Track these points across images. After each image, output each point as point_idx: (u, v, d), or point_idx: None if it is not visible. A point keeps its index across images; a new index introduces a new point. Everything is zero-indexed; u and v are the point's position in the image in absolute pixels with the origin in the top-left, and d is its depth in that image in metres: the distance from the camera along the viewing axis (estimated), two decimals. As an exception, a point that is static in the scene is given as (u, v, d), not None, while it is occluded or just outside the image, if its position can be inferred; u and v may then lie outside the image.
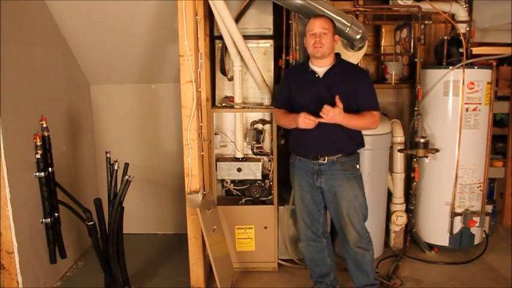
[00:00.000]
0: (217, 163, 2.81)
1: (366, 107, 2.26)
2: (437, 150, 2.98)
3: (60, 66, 2.88)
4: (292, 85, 2.38)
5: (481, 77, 2.93)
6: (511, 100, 3.53)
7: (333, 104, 2.14)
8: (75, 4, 2.60)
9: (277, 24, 2.86)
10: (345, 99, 2.17)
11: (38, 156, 2.43)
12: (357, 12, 3.05)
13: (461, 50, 3.01)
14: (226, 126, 2.92)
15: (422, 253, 3.15)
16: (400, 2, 3.00)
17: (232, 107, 2.81)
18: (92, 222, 2.37)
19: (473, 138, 2.99)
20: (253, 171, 2.79)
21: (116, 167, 2.36)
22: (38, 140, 2.42)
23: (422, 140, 2.96)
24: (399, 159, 3.11)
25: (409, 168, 3.15)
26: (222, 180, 2.91)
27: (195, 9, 2.39)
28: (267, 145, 2.87)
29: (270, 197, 2.84)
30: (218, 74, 2.91)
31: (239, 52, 2.63)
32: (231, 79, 2.87)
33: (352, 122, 2.21)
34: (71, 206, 2.53)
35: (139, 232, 3.47)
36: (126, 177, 2.34)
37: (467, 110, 2.94)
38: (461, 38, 3.01)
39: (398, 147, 3.09)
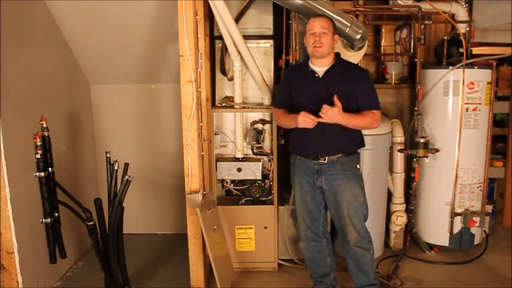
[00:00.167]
0: (217, 163, 2.81)
1: (366, 106, 2.26)
2: (437, 150, 2.98)
3: (60, 66, 2.88)
4: (292, 85, 2.38)
5: (481, 77, 2.93)
6: (511, 100, 3.53)
7: (332, 104, 2.14)
8: (75, 4, 2.60)
9: (277, 24, 2.86)
10: (344, 98, 2.17)
11: (38, 156, 2.43)
12: (357, 12, 3.05)
13: (461, 50, 3.01)
14: (226, 126, 2.92)
15: (422, 253, 3.15)
16: (400, 2, 3.00)
17: (232, 107, 2.81)
18: (92, 222, 2.37)
19: (473, 138, 2.98)
20: (253, 171, 2.79)
21: (116, 167, 2.36)
22: (38, 140, 2.42)
23: (422, 140, 2.96)
24: (399, 159, 3.11)
25: (409, 168, 3.15)
26: (222, 180, 2.91)
27: (195, 9, 2.39)
28: (267, 145, 2.87)
29: (270, 197, 2.84)
30: (218, 74, 2.91)
31: (239, 52, 2.63)
32: (231, 79, 2.87)
33: (351, 121, 2.21)
34: (71, 206, 2.53)
35: (139, 232, 3.47)
36: (126, 177, 2.34)
37: (467, 110, 2.94)
38: (461, 38, 3.01)
39: (398, 147, 3.09)
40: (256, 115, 2.88)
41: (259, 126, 2.86)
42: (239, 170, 2.78)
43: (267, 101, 2.82)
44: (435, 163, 3.03)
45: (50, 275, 2.68)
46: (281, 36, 2.92)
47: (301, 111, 2.19)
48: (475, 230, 3.08)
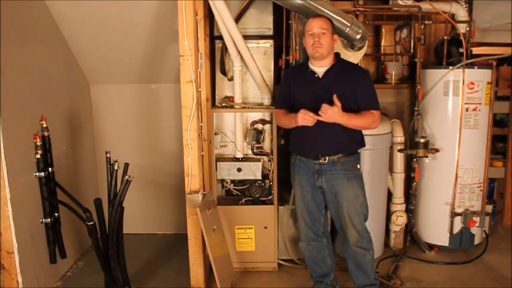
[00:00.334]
0: (217, 163, 2.81)
1: (365, 107, 2.26)
2: (437, 150, 2.98)
3: (60, 66, 2.88)
4: (292, 85, 2.38)
5: (481, 77, 2.93)
6: (511, 100, 3.53)
7: (332, 104, 2.14)
8: (75, 4, 2.60)
9: (277, 24, 2.86)
10: (344, 98, 2.17)
11: (38, 156, 2.43)
12: (357, 12, 3.05)
13: (461, 50, 3.01)
14: (226, 126, 2.92)
15: (422, 253, 3.15)
16: (400, 2, 3.00)
17: (232, 107, 2.81)
18: (92, 222, 2.37)
19: (473, 138, 2.98)
20: (253, 171, 2.79)
21: (116, 167, 2.36)
22: (38, 140, 2.42)
23: (422, 140, 2.95)
24: (399, 159, 3.11)
25: (409, 168, 3.15)
26: (222, 180, 2.91)
27: (195, 9, 2.39)
28: (267, 145, 2.87)
29: (270, 197, 2.84)
30: (218, 74, 2.91)
31: (239, 52, 2.63)
32: (231, 79, 2.87)
33: (351, 121, 2.21)
34: (71, 206, 2.53)
35: (139, 232, 3.47)
36: (126, 177, 2.34)
37: (467, 110, 2.94)
38: (461, 38, 3.01)
39: (398, 147, 3.09)
40: (256, 115, 2.88)
41: (259, 126, 2.86)
42: (239, 170, 2.78)
43: (267, 101, 2.82)
44: (435, 163, 3.03)
45: (50, 275, 2.68)
46: (281, 36, 2.92)
47: (301, 109, 2.19)
48: (475, 230, 3.08)
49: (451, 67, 2.92)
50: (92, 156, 3.38)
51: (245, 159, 2.86)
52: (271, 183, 2.82)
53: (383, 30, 3.53)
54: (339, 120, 2.17)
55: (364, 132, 2.43)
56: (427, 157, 2.97)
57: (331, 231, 2.64)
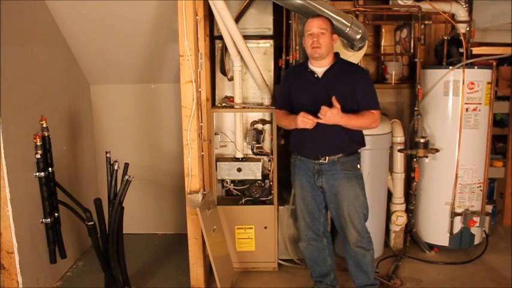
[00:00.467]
0: (217, 163, 2.81)
1: (365, 107, 2.26)
2: (437, 150, 2.98)
3: (60, 66, 2.88)
4: (292, 86, 2.38)
5: (481, 77, 2.93)
6: (511, 100, 3.53)
7: (331, 105, 2.14)
8: (75, 4, 2.60)
9: (277, 24, 2.86)
10: (344, 98, 2.17)
11: (38, 156, 2.43)
12: (357, 12, 3.05)
13: (461, 50, 3.01)
14: (226, 126, 2.92)
15: (422, 253, 3.15)
16: (400, 2, 3.00)
17: (232, 107, 2.81)
18: (92, 222, 2.37)
19: (473, 138, 2.98)
20: (253, 171, 2.79)
21: (116, 167, 2.36)
22: (38, 140, 2.42)
23: (422, 140, 2.96)
24: (399, 159, 3.11)
25: (409, 168, 3.15)
26: (222, 180, 2.91)
27: (195, 9, 2.39)
28: (267, 145, 2.87)
29: (270, 197, 2.84)
30: (218, 74, 2.91)
31: (239, 52, 2.63)
32: (231, 79, 2.87)
33: (351, 121, 2.21)
34: (71, 206, 2.53)
35: (139, 232, 3.47)
36: (126, 177, 2.34)
37: (467, 110, 2.94)
38: (461, 38, 3.01)
39: (398, 147, 3.09)
40: (256, 115, 2.88)
41: (259, 126, 2.86)
42: (239, 170, 2.78)
43: (267, 101, 2.82)
44: (435, 163, 3.03)
45: (50, 275, 2.68)
46: (281, 36, 2.92)
47: (301, 112, 2.19)
48: (475, 230, 3.08)
49: (451, 67, 2.92)
50: (92, 156, 3.38)
51: (245, 159, 2.86)
52: (271, 183, 2.82)
53: (383, 30, 3.53)
54: (338, 122, 2.17)
55: (364, 132, 2.42)
56: (427, 157, 2.97)
57: (331, 231, 2.64)
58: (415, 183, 3.09)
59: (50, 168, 2.51)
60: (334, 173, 2.30)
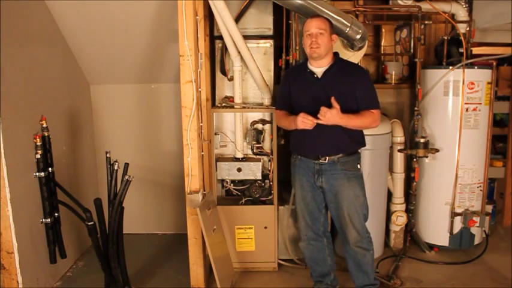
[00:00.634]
0: (217, 163, 2.81)
1: (365, 106, 2.26)
2: (437, 150, 2.98)
3: (60, 66, 2.88)
4: (292, 86, 2.38)
5: (481, 77, 2.93)
6: (511, 100, 3.53)
7: (331, 106, 2.14)
8: (75, 4, 2.60)
9: (277, 24, 2.86)
10: (343, 99, 2.17)
11: (38, 156, 2.43)
12: (357, 12, 3.05)
13: (461, 50, 3.01)
14: (226, 126, 2.92)
15: (422, 253, 3.15)
16: (400, 2, 3.00)
17: (232, 107, 2.81)
18: (92, 222, 2.37)
19: (473, 138, 2.98)
20: (253, 171, 2.79)
21: (116, 167, 2.36)
22: (38, 140, 2.42)
23: (422, 140, 2.96)
24: (399, 159, 3.11)
25: (409, 168, 3.15)
26: (222, 180, 2.91)
27: (195, 9, 2.39)
28: (267, 145, 2.87)
29: (270, 197, 2.84)
30: (218, 74, 2.91)
31: (239, 52, 2.63)
32: (231, 79, 2.87)
33: (350, 122, 2.20)
34: (71, 206, 2.53)
35: (139, 232, 3.47)
36: (126, 177, 2.35)
37: (467, 110, 2.94)
38: (461, 38, 3.01)
39: (398, 147, 3.09)
40: (256, 115, 2.88)
41: (259, 126, 2.86)
42: (239, 170, 2.78)
43: (267, 101, 2.82)
44: (435, 163, 3.03)
45: (50, 275, 2.68)
46: (281, 36, 2.92)
47: (301, 113, 2.19)
48: (475, 230, 3.08)
49: (451, 67, 2.92)
50: (92, 156, 3.38)
51: (245, 159, 2.86)
52: (271, 183, 2.82)
53: (383, 30, 3.53)
54: (338, 122, 2.17)
55: (364, 132, 2.42)
56: (427, 157, 2.97)
57: (331, 231, 2.64)
58: (415, 183, 3.09)
59: (50, 168, 2.51)
60: (334, 173, 2.30)
